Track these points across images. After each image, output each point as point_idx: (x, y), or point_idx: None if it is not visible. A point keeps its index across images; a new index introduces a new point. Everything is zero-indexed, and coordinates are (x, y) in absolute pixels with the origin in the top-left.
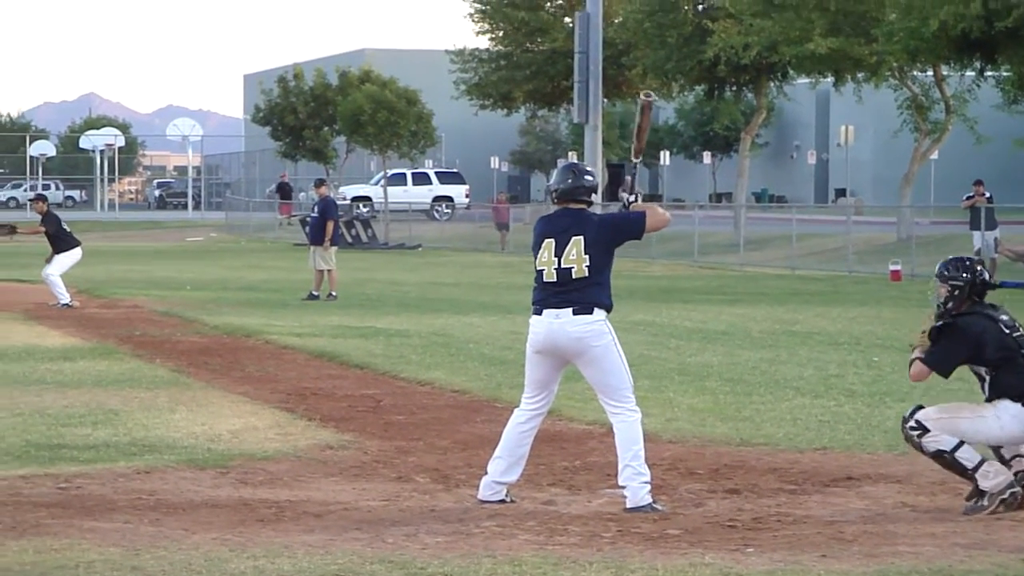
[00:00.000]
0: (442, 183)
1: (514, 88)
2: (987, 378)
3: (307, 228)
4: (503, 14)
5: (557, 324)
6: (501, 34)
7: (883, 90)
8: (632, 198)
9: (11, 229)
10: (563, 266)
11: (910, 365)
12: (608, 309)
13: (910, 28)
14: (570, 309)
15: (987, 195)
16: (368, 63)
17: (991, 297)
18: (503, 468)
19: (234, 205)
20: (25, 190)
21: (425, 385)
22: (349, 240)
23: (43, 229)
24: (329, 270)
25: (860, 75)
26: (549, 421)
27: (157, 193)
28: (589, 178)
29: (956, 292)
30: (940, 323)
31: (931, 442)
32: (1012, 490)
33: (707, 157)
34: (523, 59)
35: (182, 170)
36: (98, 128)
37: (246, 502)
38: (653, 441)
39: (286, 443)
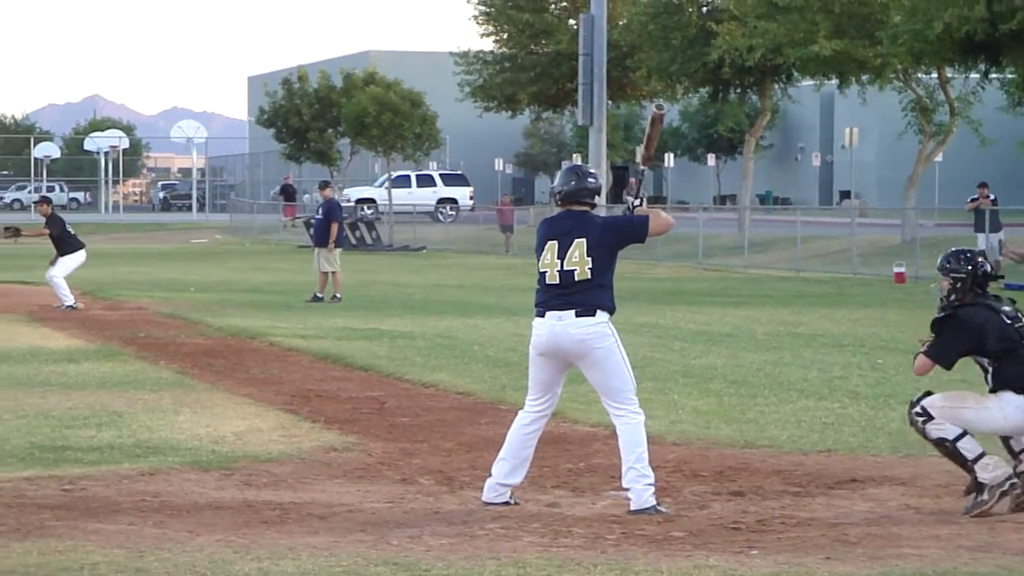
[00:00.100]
0: (446, 185)
1: (518, 90)
2: (989, 369)
3: (311, 230)
4: (507, 16)
5: (560, 326)
6: (505, 36)
7: (887, 92)
8: (636, 202)
9: (15, 232)
10: (566, 268)
11: (914, 359)
12: (611, 311)
13: (914, 30)
14: (573, 311)
15: (991, 197)
16: (372, 65)
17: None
18: (507, 470)
19: (238, 207)
20: (29, 192)
21: (429, 387)
22: (353, 242)
23: (47, 231)
24: (333, 272)
25: (864, 77)
26: (553, 423)
27: (161, 195)
28: (592, 180)
29: (958, 284)
30: (941, 315)
31: (934, 429)
32: (1011, 482)
33: (711, 159)
34: (527, 61)
35: (186, 172)
36: (102, 130)
37: (250, 504)
38: (657, 443)
39: (290, 445)
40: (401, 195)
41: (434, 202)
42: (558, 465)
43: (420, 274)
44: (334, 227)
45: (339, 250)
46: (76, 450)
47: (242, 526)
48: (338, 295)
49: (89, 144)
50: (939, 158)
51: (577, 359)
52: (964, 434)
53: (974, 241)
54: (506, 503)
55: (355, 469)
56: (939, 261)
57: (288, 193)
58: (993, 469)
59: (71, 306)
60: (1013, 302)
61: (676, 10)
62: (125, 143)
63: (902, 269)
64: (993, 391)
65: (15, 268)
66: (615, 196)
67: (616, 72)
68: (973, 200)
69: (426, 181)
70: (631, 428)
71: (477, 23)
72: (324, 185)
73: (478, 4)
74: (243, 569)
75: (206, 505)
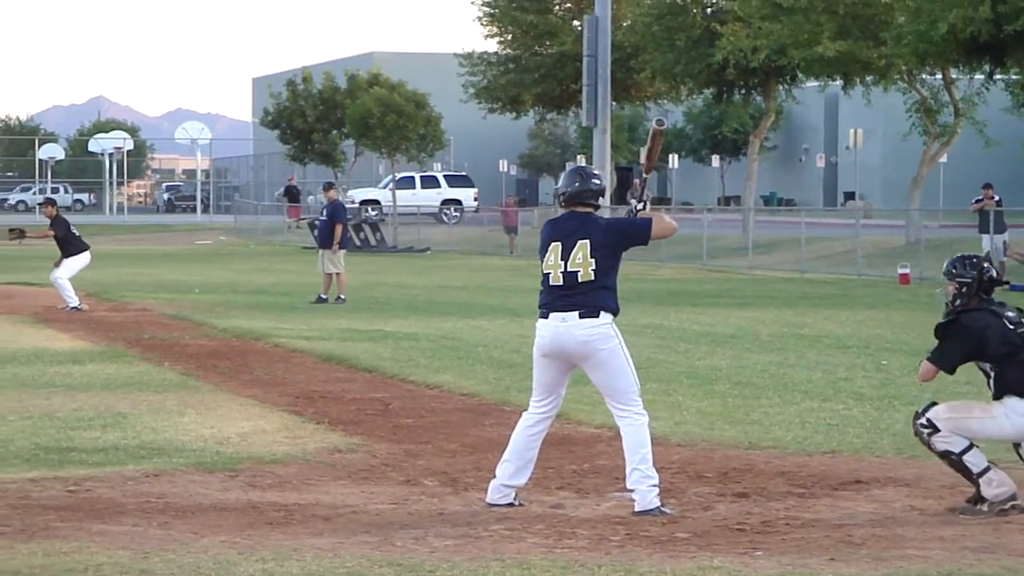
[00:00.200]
0: (450, 186)
1: (523, 91)
2: (991, 374)
3: (316, 231)
4: (512, 17)
5: (563, 327)
6: (510, 37)
7: (892, 93)
8: (640, 206)
9: (20, 233)
10: (569, 269)
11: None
12: (615, 312)
13: (919, 31)
14: (576, 312)
15: (996, 198)
16: (377, 66)
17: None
18: (511, 471)
19: (243, 208)
20: (34, 193)
21: (434, 388)
22: (358, 243)
23: (52, 233)
24: (338, 273)
25: (869, 78)
26: (557, 424)
27: (166, 196)
28: (596, 181)
29: (964, 289)
30: (945, 320)
31: (940, 442)
32: (1013, 503)
33: (716, 160)
34: (532, 62)
35: (191, 173)
36: (107, 131)
37: (255, 505)
38: (662, 444)
39: (295, 446)
40: (405, 196)
41: (438, 203)
42: (562, 466)
43: (424, 275)
44: (338, 228)
45: (343, 251)
46: (81, 451)
47: (246, 527)
48: (342, 296)
49: (93, 145)
50: (943, 159)
51: (581, 360)
52: (970, 447)
53: (979, 242)
54: (510, 504)
55: (359, 470)
56: (945, 266)
57: (292, 194)
58: (997, 486)
59: (76, 307)
60: (1021, 311)
61: (680, 11)
62: (129, 144)
63: (906, 270)
64: (996, 397)
65: (20, 269)
66: (619, 197)
67: (620, 73)
68: (978, 201)
69: (430, 182)
70: (635, 429)
71: (481, 24)
72: (328, 186)
73: (482, 5)
74: (247, 570)
75: (211, 506)
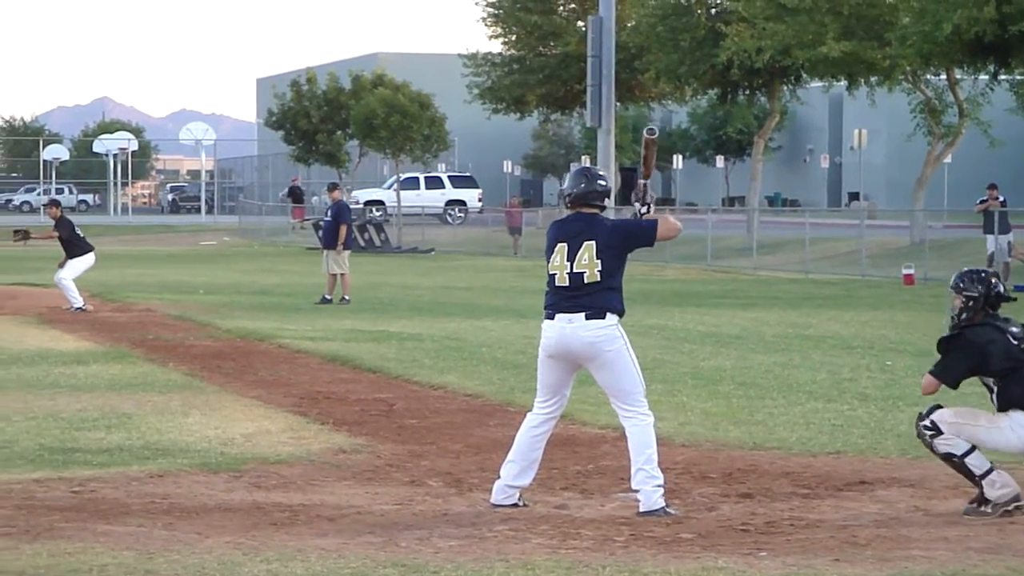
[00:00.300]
0: (455, 187)
1: (527, 92)
2: (995, 389)
3: (320, 232)
4: (516, 18)
5: (570, 329)
6: (514, 38)
7: (896, 94)
8: (644, 209)
9: (25, 234)
10: (575, 270)
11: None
12: (620, 314)
13: (923, 32)
14: (582, 314)
15: (1001, 199)
16: (381, 67)
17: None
18: (516, 472)
19: (247, 209)
20: (39, 194)
21: (438, 389)
22: (362, 244)
23: (56, 234)
24: (342, 274)
25: (873, 79)
26: (562, 425)
27: (170, 197)
28: (602, 183)
29: (970, 304)
30: (948, 334)
31: (943, 444)
32: (1017, 504)
33: (720, 161)
34: (536, 63)
35: (195, 174)
36: (111, 132)
37: (259, 506)
38: (666, 445)
39: (299, 447)
40: (410, 197)
41: (443, 204)
42: (567, 467)
43: (428, 276)
44: (343, 229)
45: (348, 252)
46: (85, 452)
47: (251, 528)
48: (347, 297)
49: (98, 146)
50: (948, 160)
51: (586, 361)
52: (972, 449)
53: (983, 243)
54: (515, 505)
55: (364, 471)
56: (952, 280)
57: (296, 195)
58: (1001, 487)
59: (80, 308)
60: None
61: (685, 12)
62: (134, 145)
63: (911, 271)
64: (1000, 410)
65: (24, 270)
66: (623, 198)
67: (625, 74)
68: (982, 202)
69: (435, 183)
70: (640, 430)
71: (486, 25)
72: (333, 187)
73: (487, 6)
74: (252, 571)
75: (215, 507)
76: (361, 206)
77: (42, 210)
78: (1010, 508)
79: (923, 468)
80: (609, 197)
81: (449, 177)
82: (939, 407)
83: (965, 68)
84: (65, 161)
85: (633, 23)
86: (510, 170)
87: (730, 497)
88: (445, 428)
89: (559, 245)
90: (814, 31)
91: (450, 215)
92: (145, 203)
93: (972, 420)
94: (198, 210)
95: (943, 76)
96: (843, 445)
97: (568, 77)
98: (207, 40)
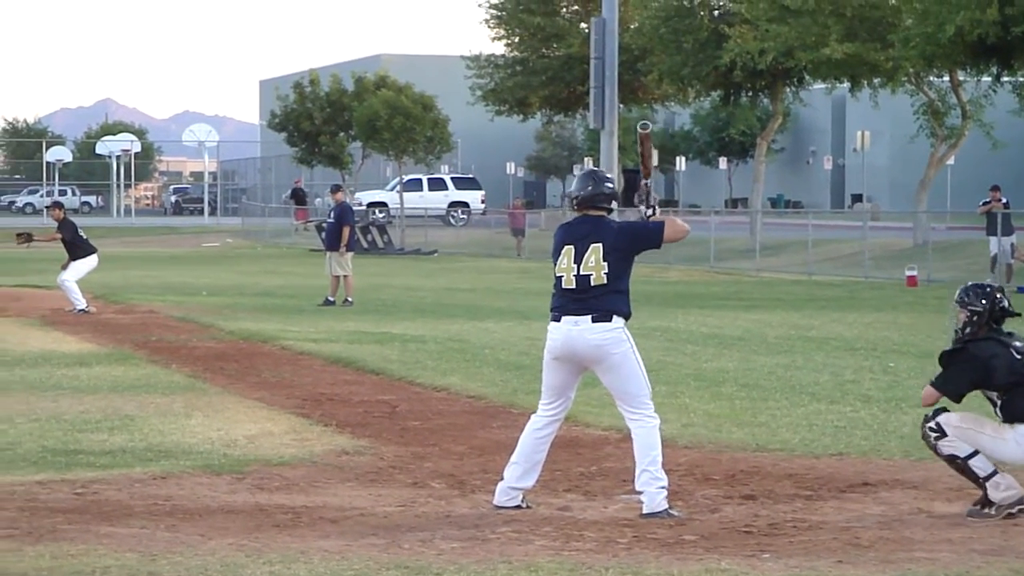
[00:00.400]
0: (458, 189)
1: (530, 94)
2: (998, 403)
3: (323, 234)
4: (519, 20)
5: (576, 331)
6: (517, 40)
7: (899, 95)
8: (649, 212)
9: (28, 237)
10: (582, 273)
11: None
12: (627, 317)
13: (926, 33)
14: (589, 316)
15: (1004, 200)
16: (384, 69)
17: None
18: (519, 474)
19: (250, 211)
20: (42, 196)
21: (441, 391)
22: (365, 246)
23: (59, 236)
24: (345, 276)
25: (876, 80)
26: (565, 427)
27: (173, 199)
28: (609, 185)
29: (974, 318)
30: (950, 348)
31: (946, 446)
32: (1021, 506)
33: (723, 163)
34: (539, 65)
35: (198, 176)
36: (114, 134)
37: (262, 508)
38: (669, 447)
39: (302, 449)
40: (412, 199)
41: (446, 205)
42: (570, 469)
43: (431, 278)
44: (346, 231)
45: (351, 254)
46: (88, 454)
47: (254, 530)
48: (350, 299)
49: (101, 148)
50: (951, 161)
51: (593, 364)
52: (976, 452)
53: (986, 244)
54: (518, 507)
55: (367, 473)
56: (957, 294)
57: (298, 197)
58: (1005, 489)
59: (83, 310)
60: None
61: (688, 13)
62: (137, 147)
63: (914, 272)
64: (1006, 423)
65: (27, 272)
66: (626, 200)
67: (627, 75)
68: (985, 203)
69: (438, 185)
70: (646, 432)
71: (488, 27)
72: (336, 189)
73: (490, 8)
74: (255, 573)
75: (218, 509)
76: (364, 208)
77: (45, 212)
78: (1014, 510)
79: (926, 470)
80: (617, 199)
81: (452, 179)
82: (945, 410)
83: (968, 70)
84: (68, 163)
85: (636, 25)
86: (513, 172)
87: (733, 499)
88: (448, 430)
89: (566, 247)
90: (817, 33)
91: (453, 217)
92: (148, 205)
93: (978, 427)
94: (201, 212)
95: (946, 78)
96: (846, 447)
97: (571, 79)
98: (210, 42)
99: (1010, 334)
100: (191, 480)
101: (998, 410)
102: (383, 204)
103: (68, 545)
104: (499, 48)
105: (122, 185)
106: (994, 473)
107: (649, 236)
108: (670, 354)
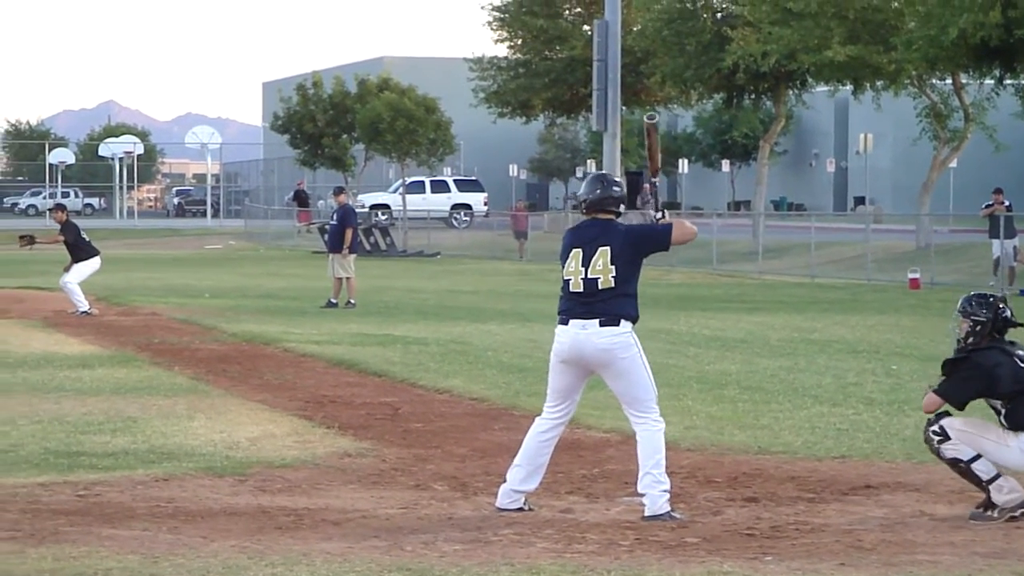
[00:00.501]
0: (460, 191)
1: (532, 96)
2: (1003, 411)
3: (326, 236)
4: (522, 22)
5: (584, 335)
6: (520, 42)
7: (902, 98)
8: (659, 215)
9: (30, 240)
10: (590, 276)
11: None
12: (635, 320)
13: (929, 36)
14: (597, 320)
15: (1006, 203)
16: (387, 71)
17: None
18: (522, 476)
19: (253, 213)
20: (44, 198)
21: (443, 393)
22: (368, 248)
23: (62, 238)
24: (348, 278)
25: (879, 83)
26: (567, 429)
27: (176, 201)
28: (617, 189)
29: (977, 328)
30: (954, 357)
31: (949, 449)
32: (1023, 510)
33: (726, 165)
34: (541, 67)
35: (201, 178)
36: (117, 136)
37: (264, 510)
38: (671, 449)
39: (304, 451)
40: (415, 201)
41: (448, 208)
42: (572, 471)
43: (434, 280)
44: (349, 233)
45: (353, 256)
46: (90, 456)
47: (256, 532)
48: (352, 301)
49: (104, 150)
50: (953, 164)
51: (600, 368)
52: (979, 456)
53: (989, 247)
54: (520, 509)
55: (369, 475)
56: (960, 303)
57: (301, 199)
58: (1008, 492)
59: (86, 312)
60: None
61: (691, 16)
62: (140, 149)
63: (916, 275)
64: (1010, 431)
65: (30, 274)
66: (630, 202)
67: (630, 78)
68: (988, 206)
69: (440, 187)
70: (651, 435)
71: (491, 29)
72: (339, 191)
73: (492, 10)
74: (257, 575)
75: (220, 511)
76: (367, 210)
77: (47, 214)
78: (1017, 513)
79: (928, 472)
80: (625, 203)
81: (455, 181)
82: (948, 414)
83: (970, 72)
84: (71, 165)
85: (639, 27)
86: (516, 174)
87: (735, 501)
88: (450, 432)
89: (574, 250)
90: (820, 35)
91: (456, 219)
92: (151, 207)
93: (981, 432)
94: (204, 214)
95: (948, 80)
96: (848, 449)
97: (574, 81)
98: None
99: (1012, 343)
100: (193, 482)
101: (1003, 418)
102: (386, 206)
103: (70, 547)
104: (502, 50)
105: (125, 187)
106: (997, 476)
107: (657, 238)
108: (672, 356)
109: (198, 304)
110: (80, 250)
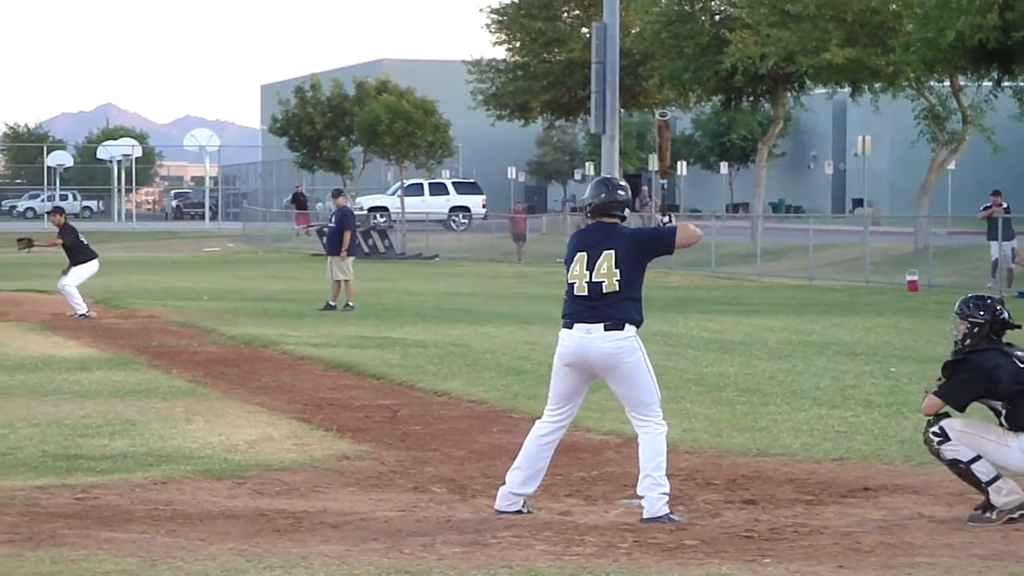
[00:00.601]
0: (459, 193)
1: (531, 98)
2: (1003, 412)
3: (324, 238)
4: (520, 24)
5: (588, 339)
6: (518, 44)
7: (900, 100)
8: (665, 219)
9: (29, 243)
10: (594, 280)
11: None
12: (639, 324)
13: (927, 38)
14: (602, 324)
15: (1004, 205)
16: (385, 73)
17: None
18: (522, 479)
19: (251, 215)
20: (42, 200)
21: (442, 395)
22: (366, 250)
23: (60, 241)
24: (346, 280)
25: (877, 85)
26: (566, 431)
27: (174, 203)
28: (622, 192)
29: (975, 330)
30: (953, 359)
31: (949, 450)
32: (1023, 511)
33: (724, 167)
34: (540, 69)
35: (199, 180)
36: (115, 138)
37: (263, 512)
38: (670, 451)
39: (303, 453)
40: (414, 203)
41: (447, 210)
42: (571, 473)
43: (432, 282)
44: (347, 235)
45: (352, 258)
46: (89, 459)
47: (255, 535)
48: (351, 303)
49: (102, 152)
50: (952, 166)
51: (604, 372)
52: (978, 456)
53: (987, 249)
54: (519, 511)
55: (368, 477)
56: (958, 305)
57: (299, 202)
58: (1007, 494)
59: (84, 315)
60: None
61: (689, 18)
62: (138, 151)
63: (915, 277)
64: (1010, 432)
65: (28, 277)
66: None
67: (629, 80)
68: (986, 208)
69: (439, 189)
70: (653, 438)
71: (490, 31)
72: (337, 193)
73: (491, 13)
74: None
75: (219, 514)
76: (365, 212)
77: (46, 217)
78: (1015, 515)
79: (927, 474)
80: (630, 207)
81: (453, 183)
82: (947, 415)
83: (968, 75)
84: (69, 167)
85: (637, 29)
86: (514, 176)
87: (734, 503)
88: (449, 434)
89: (579, 254)
90: (818, 38)
91: (454, 221)
92: (149, 209)
93: (981, 433)
94: (202, 216)
95: (946, 83)
96: (847, 452)
97: (572, 83)
98: (211, 46)
99: (1010, 344)
100: (192, 485)
101: (1003, 419)
102: (384, 209)
103: (68, 550)
104: (500, 53)
105: (123, 190)
106: (997, 478)
107: (662, 241)
108: (671, 359)
109: (196, 307)
110: (78, 253)
